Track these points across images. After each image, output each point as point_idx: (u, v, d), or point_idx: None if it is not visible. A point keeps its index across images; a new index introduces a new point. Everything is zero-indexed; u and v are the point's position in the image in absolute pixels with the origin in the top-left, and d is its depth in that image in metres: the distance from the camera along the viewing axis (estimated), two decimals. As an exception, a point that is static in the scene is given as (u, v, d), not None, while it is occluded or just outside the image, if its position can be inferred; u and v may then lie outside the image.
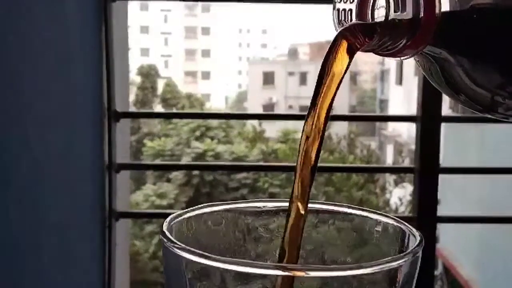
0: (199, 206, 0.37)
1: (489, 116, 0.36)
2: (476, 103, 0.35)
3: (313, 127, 0.32)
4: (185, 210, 0.36)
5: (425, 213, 1.28)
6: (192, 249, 0.30)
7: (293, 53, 28.44)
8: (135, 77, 15.48)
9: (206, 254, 0.29)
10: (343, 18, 0.34)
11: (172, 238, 0.31)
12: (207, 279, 0.30)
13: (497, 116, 0.35)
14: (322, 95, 0.32)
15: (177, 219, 0.35)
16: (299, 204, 0.33)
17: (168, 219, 0.34)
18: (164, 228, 0.33)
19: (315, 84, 0.32)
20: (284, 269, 0.30)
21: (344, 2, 0.34)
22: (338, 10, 0.34)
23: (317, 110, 0.32)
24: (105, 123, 1.21)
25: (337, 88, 0.32)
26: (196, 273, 0.31)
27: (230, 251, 0.37)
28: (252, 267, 0.29)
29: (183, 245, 0.30)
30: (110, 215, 1.23)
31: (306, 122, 0.32)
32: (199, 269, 0.30)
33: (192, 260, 0.30)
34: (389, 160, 13.99)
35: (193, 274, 0.31)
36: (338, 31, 0.33)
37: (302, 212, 0.33)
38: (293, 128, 11.28)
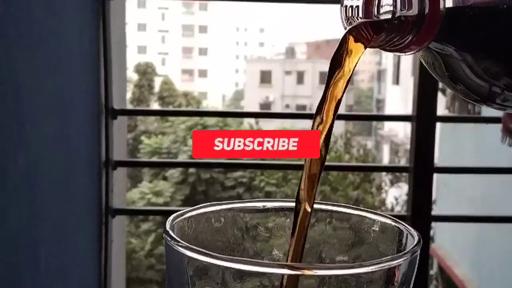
0: (201, 205, 0.37)
1: (487, 106, 0.38)
2: (476, 94, 0.37)
3: (322, 123, 0.33)
4: (186, 209, 0.36)
5: (419, 212, 1.29)
6: (194, 247, 0.30)
7: (290, 52, 28.43)
8: (132, 75, 15.46)
9: (208, 252, 0.30)
10: (350, 15, 0.35)
11: (175, 236, 0.32)
12: (208, 276, 0.31)
13: (495, 106, 0.37)
14: (331, 90, 0.33)
15: (179, 218, 0.35)
16: (307, 202, 0.33)
17: (170, 218, 0.34)
18: (167, 227, 0.33)
19: (326, 81, 0.33)
20: (288, 267, 0.30)
21: None
22: (346, 6, 0.36)
23: (327, 106, 0.33)
24: (102, 120, 1.21)
25: (347, 84, 0.33)
26: (198, 270, 0.31)
27: (230, 249, 0.38)
28: (254, 265, 0.29)
29: (186, 243, 0.31)
30: (106, 212, 1.23)
31: (315, 118, 0.33)
32: (201, 267, 0.31)
33: (194, 258, 0.30)
34: (385, 160, 14.02)
35: (195, 272, 0.31)
36: (347, 29, 0.34)
37: (309, 210, 0.33)
38: (290, 127, 11.28)
